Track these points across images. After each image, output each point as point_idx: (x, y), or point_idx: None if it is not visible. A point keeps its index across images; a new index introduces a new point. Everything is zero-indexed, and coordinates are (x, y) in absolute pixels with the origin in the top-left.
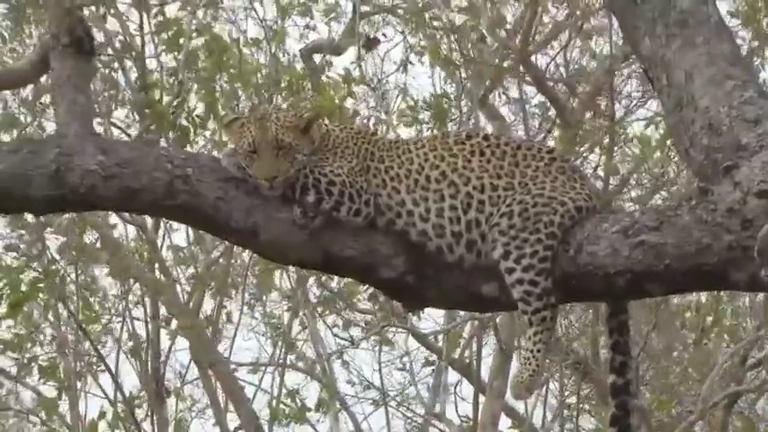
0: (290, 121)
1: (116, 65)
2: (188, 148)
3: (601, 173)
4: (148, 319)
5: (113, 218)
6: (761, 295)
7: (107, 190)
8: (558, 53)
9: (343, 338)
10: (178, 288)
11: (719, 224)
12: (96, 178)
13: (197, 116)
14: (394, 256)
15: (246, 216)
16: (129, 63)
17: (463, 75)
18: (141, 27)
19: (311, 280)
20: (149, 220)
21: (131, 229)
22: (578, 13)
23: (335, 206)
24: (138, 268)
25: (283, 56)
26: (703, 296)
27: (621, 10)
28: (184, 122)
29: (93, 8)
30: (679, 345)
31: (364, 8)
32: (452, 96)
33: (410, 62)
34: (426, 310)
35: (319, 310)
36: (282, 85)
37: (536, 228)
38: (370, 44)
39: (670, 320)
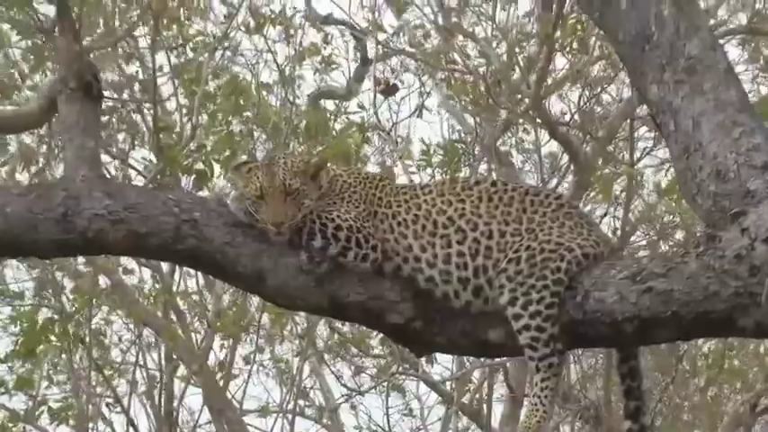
0: (298, 166)
1: (133, 106)
2: (205, 191)
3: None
4: (162, 363)
5: (131, 262)
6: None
7: (115, 234)
8: (580, 101)
9: (350, 388)
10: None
11: (727, 271)
12: (104, 222)
13: (215, 159)
14: (401, 301)
15: (253, 261)
16: (148, 104)
17: (477, 118)
18: (154, 69)
19: (320, 325)
20: (165, 264)
21: (146, 273)
22: (587, 59)
23: (342, 251)
24: (149, 313)
25: (296, 99)
26: (712, 342)
27: (629, 56)
28: (201, 166)
29: (108, 49)
30: (686, 392)
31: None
32: (467, 140)
33: (426, 108)
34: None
35: (327, 356)
36: (299, 129)
37: (543, 274)
38: (389, 90)
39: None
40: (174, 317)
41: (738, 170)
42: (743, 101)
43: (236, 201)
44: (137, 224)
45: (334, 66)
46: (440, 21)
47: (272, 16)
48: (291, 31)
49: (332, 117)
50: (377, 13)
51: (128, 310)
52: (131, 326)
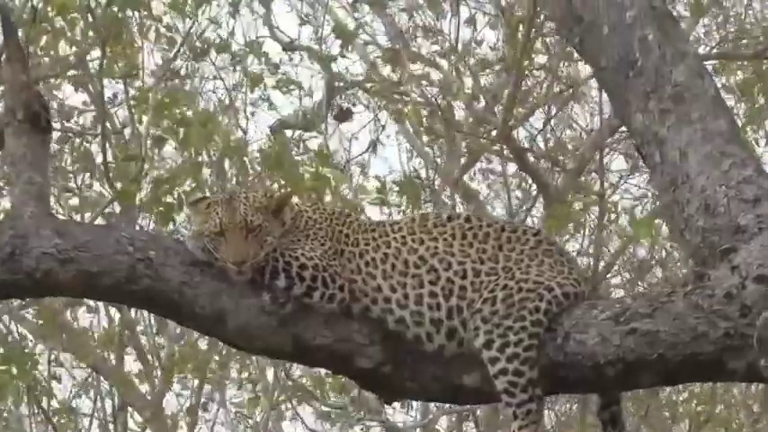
0: (261, 201)
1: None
2: (171, 226)
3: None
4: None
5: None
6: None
7: (65, 274)
8: (544, 128)
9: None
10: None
11: (716, 311)
12: (53, 262)
13: (183, 192)
14: (370, 344)
15: (213, 302)
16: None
17: (437, 152)
18: (102, 97)
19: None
20: None
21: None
22: (559, 88)
23: (307, 291)
24: (99, 357)
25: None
26: (697, 386)
27: (612, 83)
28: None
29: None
30: None
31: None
32: (424, 176)
33: (380, 142)
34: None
35: (283, 399)
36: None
37: (521, 315)
38: (343, 115)
39: (660, 412)
40: (136, 359)
41: (728, 204)
42: (732, 131)
43: (194, 238)
44: (88, 264)
45: (291, 89)
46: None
47: (217, 42)
48: (239, 59)
49: (294, 147)
50: (324, 45)
51: (76, 353)
52: (79, 369)
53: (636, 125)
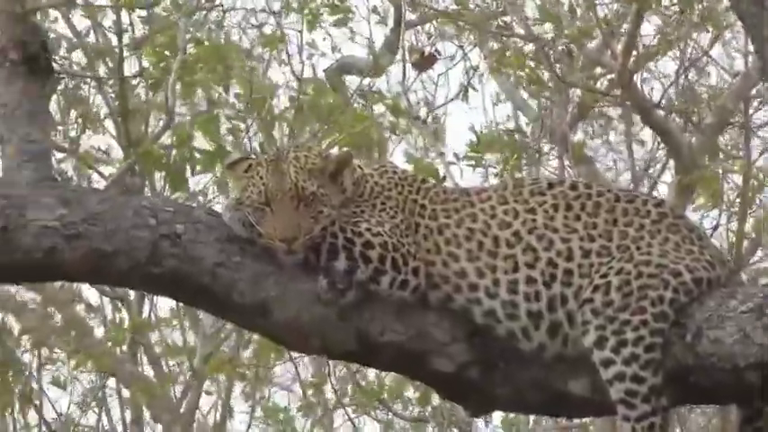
0: (315, 163)
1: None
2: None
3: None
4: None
5: (93, 294)
6: None
7: (71, 253)
8: (683, 72)
9: None
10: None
11: None
12: (57, 238)
13: (196, 150)
14: (451, 342)
15: (255, 288)
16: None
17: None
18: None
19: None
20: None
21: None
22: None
23: (374, 275)
24: (118, 359)
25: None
26: None
27: (749, 15)
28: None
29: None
30: None
31: (410, 16)
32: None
33: (473, 87)
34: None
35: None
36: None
37: (641, 306)
38: (424, 63)
39: None
40: (145, 363)
41: None
42: None
43: (232, 209)
44: (100, 240)
45: (350, 16)
46: None
47: None
48: None
49: (354, 97)
50: None
51: (87, 354)
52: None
53: None
